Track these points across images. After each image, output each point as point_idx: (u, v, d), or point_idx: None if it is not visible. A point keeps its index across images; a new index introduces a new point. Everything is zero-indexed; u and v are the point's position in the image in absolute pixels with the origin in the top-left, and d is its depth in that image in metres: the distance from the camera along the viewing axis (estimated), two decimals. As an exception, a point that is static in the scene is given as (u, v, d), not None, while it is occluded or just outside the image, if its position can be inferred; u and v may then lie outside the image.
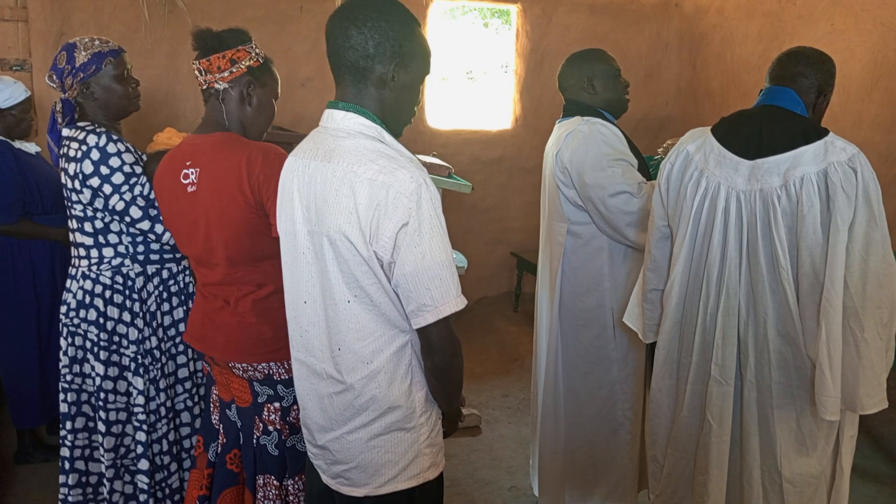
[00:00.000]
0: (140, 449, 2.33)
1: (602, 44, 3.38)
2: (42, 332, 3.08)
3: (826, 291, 1.74)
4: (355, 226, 1.44)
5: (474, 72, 7.49)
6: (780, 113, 1.89)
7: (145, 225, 2.25)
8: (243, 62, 1.91)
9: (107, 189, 2.21)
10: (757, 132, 1.87)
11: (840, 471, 1.94)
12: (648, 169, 2.62)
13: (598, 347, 2.61)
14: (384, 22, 1.48)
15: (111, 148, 2.21)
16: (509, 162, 5.35)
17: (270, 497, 1.98)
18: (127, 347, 2.33)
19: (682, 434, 2.07)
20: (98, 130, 2.23)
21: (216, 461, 2.07)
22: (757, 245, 1.84)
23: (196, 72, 1.93)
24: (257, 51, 1.96)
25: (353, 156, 1.46)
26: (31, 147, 3.07)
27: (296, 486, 2.00)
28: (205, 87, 1.93)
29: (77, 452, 2.43)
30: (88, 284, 2.31)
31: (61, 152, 2.29)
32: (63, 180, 2.30)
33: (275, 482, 1.98)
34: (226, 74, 1.90)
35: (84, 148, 2.20)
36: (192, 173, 1.90)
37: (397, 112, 1.56)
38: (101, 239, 2.30)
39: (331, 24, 1.52)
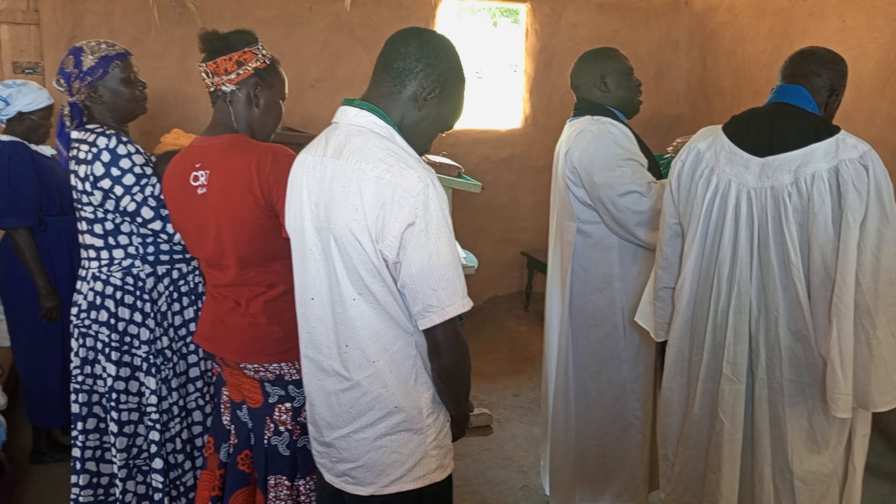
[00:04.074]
0: (154, 448, 2.34)
1: (611, 42, 3.38)
2: (64, 332, 3.11)
3: (837, 289, 1.73)
4: (362, 224, 1.45)
5: (483, 71, 7.49)
6: (792, 110, 1.88)
7: (157, 225, 2.26)
8: (250, 64, 1.91)
9: (118, 190, 2.22)
10: (768, 129, 1.86)
11: (852, 470, 1.93)
12: (659, 168, 2.62)
13: (609, 347, 2.61)
14: (445, 55, 1.56)
15: (121, 149, 2.23)
16: (519, 161, 5.34)
17: (282, 497, 1.98)
18: (138, 348, 2.34)
19: (693, 432, 2.06)
20: (108, 132, 2.25)
21: (228, 462, 2.08)
22: (768, 242, 1.83)
23: (203, 74, 1.94)
24: (264, 52, 1.96)
25: (363, 153, 1.48)
26: (46, 150, 3.12)
27: (307, 487, 2.00)
28: (212, 89, 1.94)
29: (88, 453, 2.44)
30: (99, 286, 2.33)
31: (71, 155, 2.31)
32: (73, 182, 2.31)
33: (286, 482, 1.98)
34: (232, 76, 1.90)
35: (94, 150, 2.22)
36: (202, 175, 1.91)
37: (414, 132, 1.58)
38: (111, 240, 2.32)
39: (398, 32, 1.58)
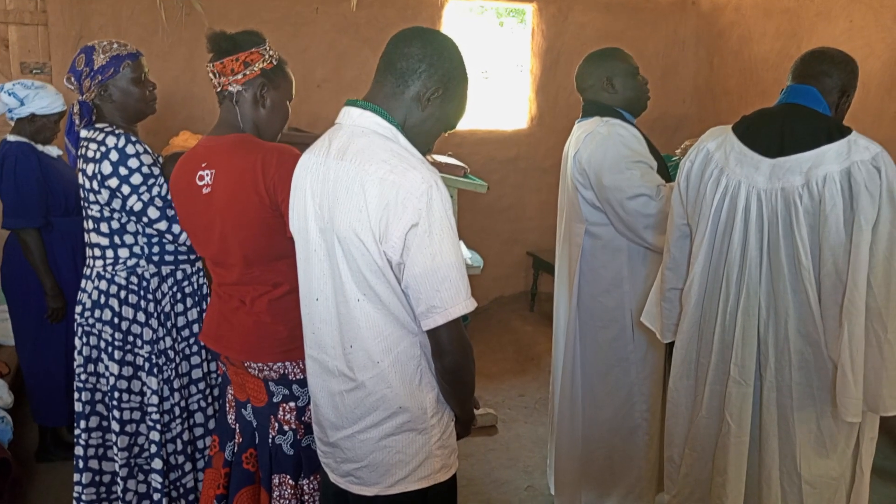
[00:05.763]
0: (154, 448, 2.35)
1: (618, 42, 3.36)
2: (68, 331, 3.11)
3: (849, 292, 1.71)
4: (365, 225, 1.45)
5: (490, 71, 7.49)
6: (803, 111, 1.86)
7: (163, 225, 2.26)
8: (256, 64, 1.92)
9: (125, 190, 2.23)
10: (778, 130, 1.85)
11: (860, 473, 1.92)
12: (668, 169, 2.60)
13: (617, 348, 2.60)
14: (448, 55, 1.56)
15: (130, 149, 2.23)
16: (525, 161, 5.34)
17: (286, 496, 1.98)
18: (141, 347, 2.35)
19: (700, 435, 2.05)
20: (117, 132, 2.26)
21: (233, 460, 2.08)
22: (778, 244, 1.82)
23: (210, 74, 1.94)
24: (271, 52, 1.96)
25: (366, 154, 1.48)
26: (53, 150, 3.12)
27: (311, 486, 2.00)
28: (219, 89, 1.94)
29: (91, 451, 2.45)
30: (103, 285, 2.33)
31: (79, 153, 2.31)
32: (80, 181, 2.32)
33: (290, 482, 1.98)
34: (239, 77, 1.91)
35: (103, 149, 2.22)
36: (208, 175, 1.91)
37: (417, 132, 1.58)
38: (116, 239, 2.32)
39: (400, 32, 1.58)
